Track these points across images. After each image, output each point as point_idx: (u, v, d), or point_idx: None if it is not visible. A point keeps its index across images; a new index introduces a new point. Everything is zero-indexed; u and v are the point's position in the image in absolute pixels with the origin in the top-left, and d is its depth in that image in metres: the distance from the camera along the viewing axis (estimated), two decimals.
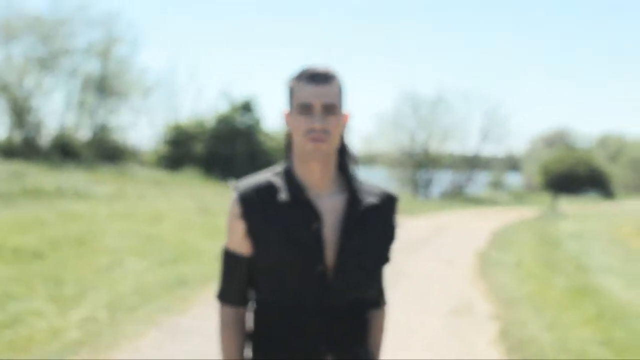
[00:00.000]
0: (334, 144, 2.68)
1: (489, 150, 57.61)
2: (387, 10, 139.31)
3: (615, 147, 79.93)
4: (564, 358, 7.70)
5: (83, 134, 44.48)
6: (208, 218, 18.99)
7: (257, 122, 44.41)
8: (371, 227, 2.76)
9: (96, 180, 26.58)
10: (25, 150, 38.86)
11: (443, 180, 55.43)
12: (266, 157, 42.66)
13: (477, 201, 46.15)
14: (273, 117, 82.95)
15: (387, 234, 2.83)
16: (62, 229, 14.03)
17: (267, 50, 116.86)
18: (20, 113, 40.36)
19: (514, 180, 67.67)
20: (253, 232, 2.71)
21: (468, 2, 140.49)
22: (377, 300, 2.97)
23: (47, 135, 42.88)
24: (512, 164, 69.21)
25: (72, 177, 25.03)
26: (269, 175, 2.81)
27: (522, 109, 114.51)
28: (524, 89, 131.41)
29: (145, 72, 48.38)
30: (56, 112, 43.81)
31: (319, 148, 2.63)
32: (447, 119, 54.86)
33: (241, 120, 43.71)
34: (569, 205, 42.80)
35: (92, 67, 43.76)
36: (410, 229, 21.65)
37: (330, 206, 2.72)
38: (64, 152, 39.59)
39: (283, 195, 2.70)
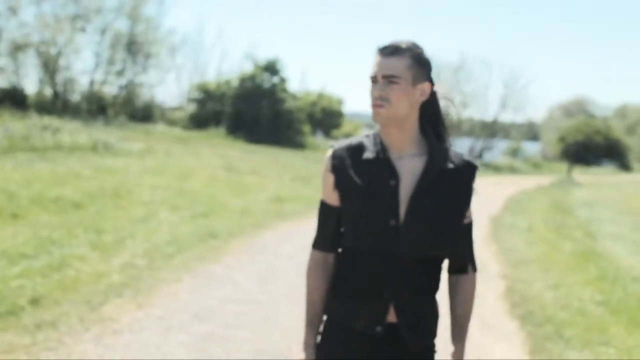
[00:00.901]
0: (396, 111, 2.89)
1: (508, 117, 57.58)
2: None
3: (634, 117, 79.08)
4: (564, 314, 8.36)
5: (112, 91, 45.06)
6: (234, 175, 19.69)
7: (282, 82, 44.51)
8: (445, 189, 2.96)
9: (125, 137, 27.28)
10: (56, 105, 39.56)
11: (462, 146, 55.65)
12: (290, 117, 42.89)
13: (495, 168, 46.31)
14: (297, 77, 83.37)
15: (461, 198, 3.02)
16: (98, 182, 14.76)
17: (292, 12, 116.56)
18: (51, 69, 40.94)
19: (532, 148, 67.33)
20: (339, 184, 3.00)
21: None
22: (463, 265, 3.16)
23: (77, 91, 43.48)
24: (532, 132, 68.96)
25: (102, 133, 25.73)
26: (362, 137, 3.09)
27: (543, 77, 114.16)
28: (544, 58, 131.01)
29: (173, 31, 48.79)
30: (86, 70, 44.33)
31: (378, 113, 2.90)
32: (467, 86, 54.98)
33: (265, 80, 43.93)
34: (584, 175, 43.05)
35: (121, 25, 44.24)
36: None
37: (409, 166, 2.95)
38: (94, 108, 40.17)
39: (369, 154, 2.96)
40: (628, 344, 7.35)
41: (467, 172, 3.04)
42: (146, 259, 9.22)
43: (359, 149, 3.03)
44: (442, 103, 3.12)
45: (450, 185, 2.97)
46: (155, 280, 8.34)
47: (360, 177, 2.96)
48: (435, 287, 3.06)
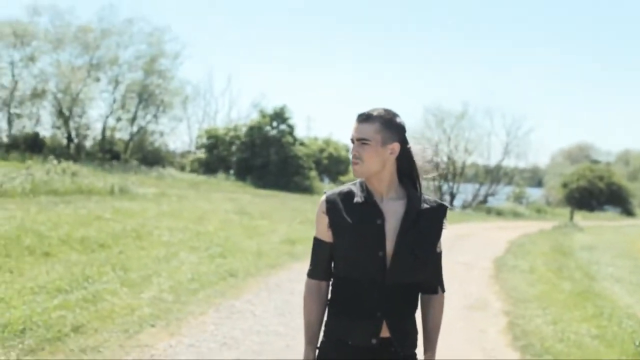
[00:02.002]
0: (369, 167, 3.51)
1: (512, 163, 58.06)
2: (413, 26, 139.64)
3: (636, 163, 79.37)
4: (561, 346, 9.00)
5: (124, 138, 45.95)
6: (246, 219, 20.38)
7: (289, 129, 45.28)
8: (423, 226, 3.55)
9: (138, 181, 28.06)
10: (70, 150, 40.44)
11: (466, 192, 56.16)
12: (298, 163, 43.61)
13: (498, 213, 46.81)
14: (304, 123, 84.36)
15: (435, 233, 3.61)
16: (119, 224, 15.48)
17: (299, 60, 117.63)
18: (66, 116, 41.82)
19: (536, 194, 67.52)
20: (333, 224, 3.57)
21: (489, 18, 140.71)
22: (434, 287, 3.73)
23: (91, 138, 44.39)
24: (535, 178, 69.29)
25: (117, 178, 26.49)
26: (350, 185, 3.68)
27: (545, 124, 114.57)
28: (547, 104, 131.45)
29: (186, 83, 49.70)
30: (100, 117, 45.25)
31: (355, 169, 3.56)
32: (471, 133, 55.63)
33: (273, 128, 44.68)
34: (586, 220, 43.47)
35: (135, 76, 45.20)
36: None
37: (392, 208, 3.56)
38: (108, 154, 40.98)
39: (358, 199, 3.56)
40: None
41: (439, 211, 3.66)
42: (172, 294, 9.90)
43: (348, 194, 3.62)
44: (420, 159, 3.75)
45: (426, 222, 3.58)
46: (183, 313, 9.03)
47: (352, 217, 3.53)
48: (415, 306, 3.66)
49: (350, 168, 3.87)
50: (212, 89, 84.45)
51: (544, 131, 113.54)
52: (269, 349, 7.95)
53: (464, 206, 52.49)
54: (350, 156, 3.60)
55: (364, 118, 3.54)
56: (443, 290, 3.80)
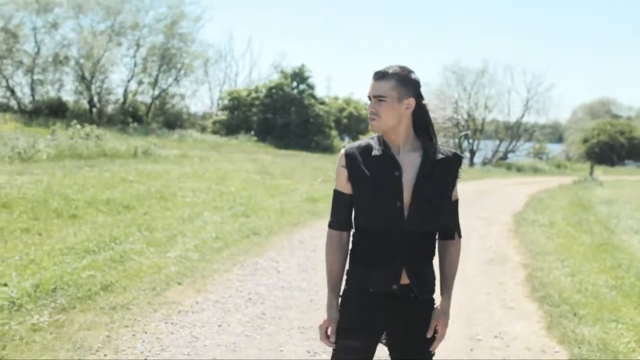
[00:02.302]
0: (385, 122, 3.63)
1: (532, 120, 57.89)
2: None
3: None
4: (579, 296, 9.17)
5: (146, 101, 46.17)
6: (268, 179, 20.64)
7: (309, 89, 45.39)
8: (437, 175, 3.67)
9: (161, 144, 28.33)
10: (92, 115, 40.77)
11: (487, 148, 56.16)
12: (319, 122, 43.69)
13: (519, 169, 46.85)
14: (324, 84, 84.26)
15: (450, 181, 3.73)
16: (143, 186, 15.76)
17: (318, 20, 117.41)
18: (88, 81, 42.06)
19: (556, 149, 67.27)
20: (353, 177, 3.70)
21: None
22: (450, 233, 3.87)
23: (113, 102, 44.66)
24: (556, 134, 69.06)
25: (140, 141, 26.76)
26: (368, 139, 3.79)
27: (566, 79, 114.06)
28: (568, 60, 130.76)
29: (207, 46, 49.65)
30: (122, 82, 45.50)
31: (372, 125, 3.68)
32: (491, 90, 55.56)
33: (293, 88, 44.77)
34: (606, 175, 43.38)
35: (156, 40, 45.34)
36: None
37: (409, 160, 3.67)
38: (130, 118, 41.23)
39: (376, 152, 3.68)
40: (636, 321, 8.12)
41: (454, 161, 3.77)
42: (197, 253, 10.14)
43: (367, 148, 3.73)
44: (439, 116, 3.89)
45: (441, 172, 3.69)
46: (209, 271, 9.27)
47: (370, 170, 3.66)
48: (432, 253, 3.81)
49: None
50: (232, 51, 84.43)
51: (565, 87, 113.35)
52: (293, 303, 8.16)
53: (484, 162, 52.56)
54: (368, 112, 3.71)
55: (380, 76, 3.65)
56: (460, 236, 3.93)
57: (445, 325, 3.84)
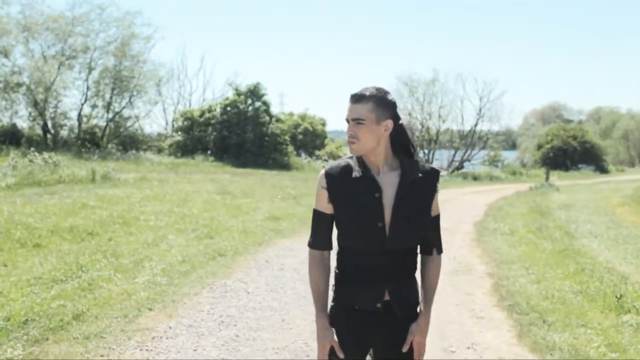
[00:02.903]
0: (365, 145, 3.68)
1: (485, 128, 58.37)
2: None
3: (609, 120, 79.78)
4: (546, 303, 9.31)
5: (101, 125, 45.92)
6: (228, 198, 20.59)
7: (264, 105, 45.21)
8: (416, 193, 3.75)
9: (118, 167, 28.15)
10: (47, 140, 40.49)
11: (442, 158, 56.58)
12: (275, 140, 43.69)
13: (475, 177, 47.16)
14: (277, 100, 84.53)
15: (429, 198, 3.81)
16: (105, 211, 15.66)
17: (270, 36, 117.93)
18: (41, 107, 41.74)
19: (510, 156, 67.83)
20: (333, 198, 3.77)
21: None
22: (430, 248, 3.95)
23: (68, 127, 44.37)
24: (510, 141, 69.64)
25: (97, 165, 26.61)
26: (347, 159, 3.85)
27: (517, 86, 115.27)
28: (517, 66, 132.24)
29: (159, 66, 49.45)
30: (75, 106, 45.18)
31: (351, 148, 3.71)
32: (443, 99, 56.01)
33: (249, 105, 44.71)
34: (562, 180, 43.83)
35: (108, 61, 45.07)
36: None
37: (388, 180, 3.74)
38: (85, 142, 40.98)
39: (356, 173, 3.73)
40: (604, 325, 8.28)
41: (431, 177, 3.84)
42: (165, 277, 10.12)
43: (346, 168, 3.78)
44: (408, 131, 3.91)
45: (419, 189, 3.77)
46: (178, 295, 9.25)
47: (351, 192, 3.73)
48: (414, 268, 3.90)
49: (326, 142, 4.06)
50: (186, 70, 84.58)
51: (515, 94, 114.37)
52: (266, 324, 8.19)
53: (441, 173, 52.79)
54: (347, 135, 3.74)
55: (357, 98, 3.70)
56: (440, 252, 4.01)
57: (421, 339, 3.92)
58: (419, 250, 3.97)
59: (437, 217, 3.95)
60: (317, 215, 3.92)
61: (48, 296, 8.58)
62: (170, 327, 7.84)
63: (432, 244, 3.97)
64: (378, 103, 3.69)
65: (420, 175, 3.79)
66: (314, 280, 3.93)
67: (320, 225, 3.91)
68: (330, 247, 3.94)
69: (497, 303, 9.55)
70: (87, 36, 43.83)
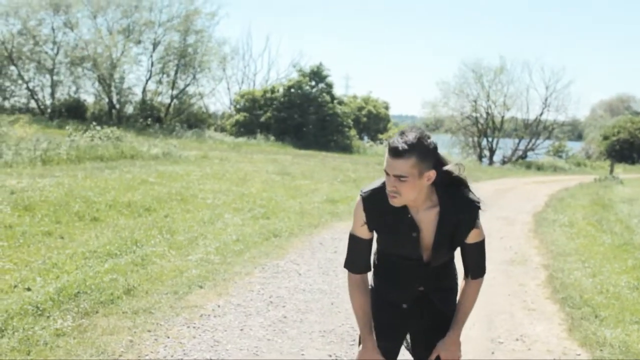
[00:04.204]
0: (407, 198, 3.55)
1: (551, 117, 57.71)
2: None
3: None
4: (600, 298, 9.16)
5: (165, 102, 46.32)
6: (288, 179, 20.65)
7: (327, 87, 45.30)
8: (453, 228, 3.70)
9: (181, 145, 28.48)
10: (112, 116, 40.97)
11: (506, 147, 56.10)
12: (337, 122, 43.67)
13: (538, 167, 46.70)
14: (342, 82, 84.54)
15: (466, 232, 3.76)
16: (164, 187, 15.84)
17: (335, 17, 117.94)
18: (107, 82, 42.24)
19: (576, 147, 67.06)
20: (372, 225, 3.77)
21: None
22: (471, 272, 3.90)
23: (132, 102, 44.86)
24: (576, 131, 68.80)
25: (160, 142, 26.88)
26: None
27: (585, 76, 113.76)
28: (587, 56, 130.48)
29: (223, 43, 49.64)
30: (140, 81, 45.68)
31: (393, 201, 3.58)
32: (509, 87, 55.48)
33: (312, 87, 44.72)
34: (627, 173, 43.20)
35: (173, 37, 45.45)
36: (475, 193, 23.04)
37: (426, 218, 3.69)
38: (149, 118, 41.38)
39: (394, 208, 3.65)
40: None
41: (471, 213, 3.72)
42: (219, 255, 10.17)
43: (384, 194, 3.62)
44: (455, 171, 3.73)
45: (457, 225, 3.70)
46: (230, 274, 9.29)
47: (389, 225, 3.72)
48: (450, 274, 4.01)
49: (389, 126, 4.00)
50: (251, 50, 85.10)
51: (583, 83, 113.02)
52: (315, 306, 8.19)
53: (504, 161, 52.49)
54: (387, 189, 3.59)
55: (398, 154, 3.47)
56: (475, 277, 3.93)
57: (448, 357, 3.87)
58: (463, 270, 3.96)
59: (478, 243, 3.87)
60: (355, 240, 3.87)
61: (101, 270, 8.67)
62: (219, 306, 7.87)
63: (469, 269, 3.91)
64: (420, 157, 3.49)
65: (459, 211, 3.71)
66: (357, 303, 3.90)
67: (358, 249, 3.88)
68: (369, 269, 3.94)
69: (550, 295, 9.42)
70: (151, 10, 44.19)
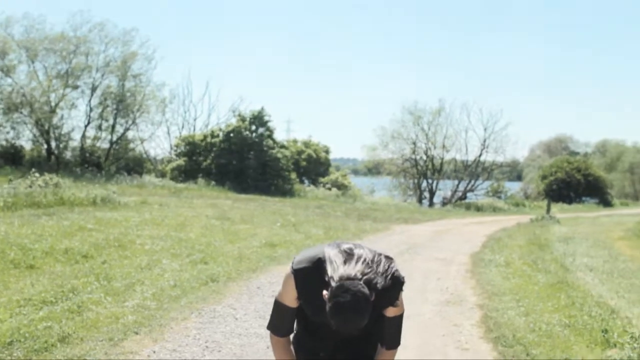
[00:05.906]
0: None
1: (490, 158, 58.44)
2: (387, 23, 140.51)
3: (614, 152, 79.79)
4: (532, 336, 9.33)
5: (104, 147, 46.07)
6: (227, 224, 20.59)
7: (268, 132, 45.36)
8: (379, 308, 3.60)
9: (120, 190, 28.30)
10: (50, 161, 40.62)
11: (446, 188, 56.67)
12: (278, 166, 43.73)
13: (478, 208, 47.17)
14: (283, 127, 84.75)
15: (387, 306, 3.71)
16: (102, 234, 15.73)
17: (276, 63, 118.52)
18: (45, 127, 41.92)
19: (515, 187, 67.93)
20: (301, 297, 3.77)
21: (466, 12, 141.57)
22: (384, 342, 3.96)
23: (71, 148, 44.53)
24: (514, 172, 69.64)
25: (98, 188, 26.71)
26: (317, 260, 3.68)
27: (523, 118, 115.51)
28: (525, 98, 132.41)
29: (161, 86, 49.54)
30: (78, 127, 45.37)
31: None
32: (448, 129, 56.15)
33: (252, 132, 44.79)
34: (564, 212, 43.86)
35: (111, 82, 45.31)
36: (414, 235, 23.29)
37: None
38: (88, 164, 41.12)
39: (321, 288, 3.53)
40: None
41: (394, 290, 3.63)
42: (155, 301, 10.17)
43: (317, 270, 3.62)
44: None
45: (381, 305, 3.62)
46: (166, 319, 9.30)
47: (315, 303, 3.63)
48: (369, 342, 4.03)
49: (330, 170, 4.06)
50: (191, 95, 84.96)
51: (522, 125, 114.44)
52: (250, 350, 8.24)
53: (444, 202, 52.97)
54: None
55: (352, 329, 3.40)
56: (389, 348, 3.99)
57: None
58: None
59: (397, 317, 3.89)
60: (281, 307, 3.93)
61: (36, 317, 8.63)
62: (154, 352, 7.88)
63: (385, 340, 3.96)
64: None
65: (383, 293, 3.51)
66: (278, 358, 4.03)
67: (283, 316, 3.95)
68: (292, 331, 4.03)
69: (484, 335, 9.57)
70: (88, 55, 44.04)
